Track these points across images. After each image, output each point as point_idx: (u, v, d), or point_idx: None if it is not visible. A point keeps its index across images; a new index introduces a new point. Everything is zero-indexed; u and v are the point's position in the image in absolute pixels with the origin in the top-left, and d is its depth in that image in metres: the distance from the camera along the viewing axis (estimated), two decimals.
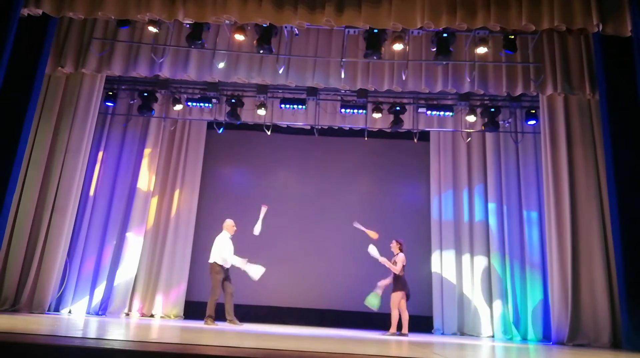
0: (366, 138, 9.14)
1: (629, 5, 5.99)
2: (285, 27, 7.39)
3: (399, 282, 7.20)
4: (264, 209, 7.79)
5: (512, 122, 8.82)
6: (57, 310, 7.92)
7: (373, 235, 7.54)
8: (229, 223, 7.70)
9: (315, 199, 9.66)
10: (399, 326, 7.11)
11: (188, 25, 7.17)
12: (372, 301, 7.28)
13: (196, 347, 3.35)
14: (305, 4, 6.31)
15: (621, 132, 6.36)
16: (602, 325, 6.92)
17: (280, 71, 7.67)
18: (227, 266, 7.50)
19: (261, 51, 7.27)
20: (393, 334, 7.02)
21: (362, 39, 7.42)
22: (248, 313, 8.53)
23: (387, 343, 5.12)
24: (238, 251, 9.65)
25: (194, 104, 8.87)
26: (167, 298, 8.78)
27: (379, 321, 8.51)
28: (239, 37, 7.37)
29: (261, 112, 8.75)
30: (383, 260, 7.26)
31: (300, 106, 8.64)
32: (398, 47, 7.38)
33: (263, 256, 8.76)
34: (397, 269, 7.18)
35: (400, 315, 7.12)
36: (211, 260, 7.46)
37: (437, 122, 9.05)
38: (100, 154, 8.75)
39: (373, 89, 7.97)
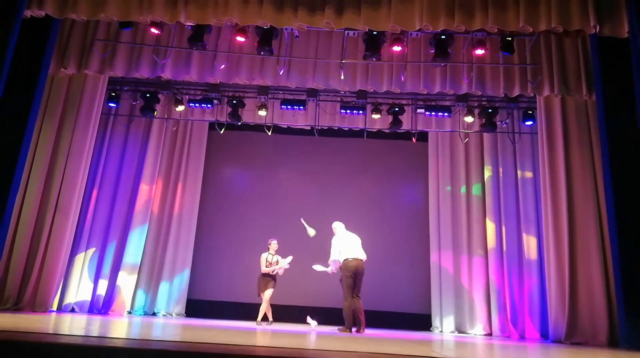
0: (365, 139, 9.20)
1: (626, 6, 6.01)
2: (286, 29, 7.42)
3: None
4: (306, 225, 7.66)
5: (510, 123, 8.87)
6: (59, 308, 7.98)
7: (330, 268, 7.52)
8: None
9: (315, 199, 9.70)
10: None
11: (190, 27, 7.21)
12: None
13: (195, 345, 3.40)
14: (306, 6, 6.35)
15: (618, 133, 6.38)
16: (599, 324, 6.96)
17: (281, 73, 7.73)
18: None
19: (262, 53, 7.31)
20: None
21: (361, 40, 7.46)
22: (249, 312, 8.57)
23: (387, 341, 5.17)
24: (237, 250, 9.72)
25: (196, 105, 8.92)
26: (169, 297, 8.85)
27: (378, 319, 8.58)
28: (240, 39, 7.42)
29: (262, 113, 8.80)
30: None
31: (300, 107, 8.70)
32: (397, 48, 7.43)
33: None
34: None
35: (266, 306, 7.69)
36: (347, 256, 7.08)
37: (436, 123, 9.10)
38: (103, 154, 8.81)
39: (372, 90, 8.02)
